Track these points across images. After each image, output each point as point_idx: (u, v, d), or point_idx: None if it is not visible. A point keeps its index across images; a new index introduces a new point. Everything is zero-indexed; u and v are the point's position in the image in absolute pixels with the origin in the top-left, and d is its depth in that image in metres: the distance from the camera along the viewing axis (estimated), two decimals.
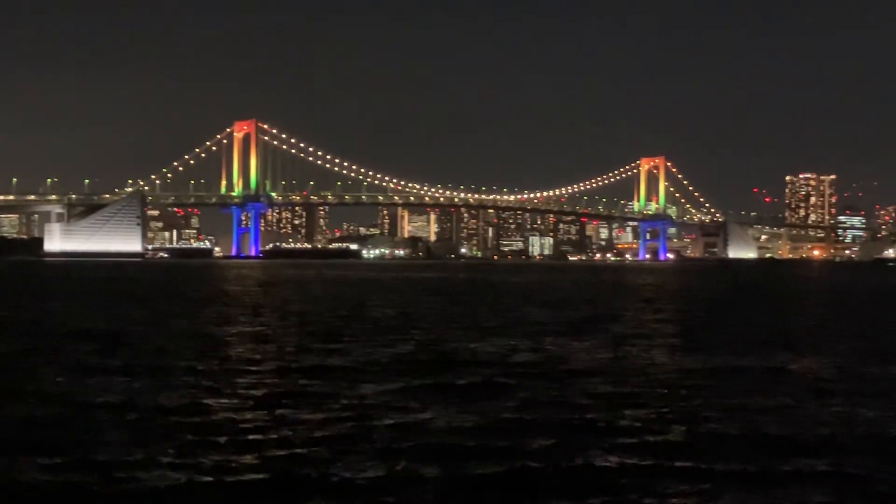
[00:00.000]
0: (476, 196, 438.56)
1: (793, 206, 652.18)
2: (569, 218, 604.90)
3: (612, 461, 16.90)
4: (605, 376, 27.61)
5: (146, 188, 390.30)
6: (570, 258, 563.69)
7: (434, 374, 27.81)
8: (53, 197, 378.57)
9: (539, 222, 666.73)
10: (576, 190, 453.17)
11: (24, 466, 16.22)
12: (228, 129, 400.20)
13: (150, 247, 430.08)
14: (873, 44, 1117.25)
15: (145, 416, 20.88)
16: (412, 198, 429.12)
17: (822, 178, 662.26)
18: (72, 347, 34.75)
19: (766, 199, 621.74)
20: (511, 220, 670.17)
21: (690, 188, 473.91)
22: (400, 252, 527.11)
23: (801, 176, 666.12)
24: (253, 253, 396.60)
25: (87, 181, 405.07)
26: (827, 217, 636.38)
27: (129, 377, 26.71)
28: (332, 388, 24.92)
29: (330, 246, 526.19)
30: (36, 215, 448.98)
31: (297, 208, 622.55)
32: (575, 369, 29.23)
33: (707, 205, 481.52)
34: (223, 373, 27.98)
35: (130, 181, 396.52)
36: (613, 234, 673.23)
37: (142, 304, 64.33)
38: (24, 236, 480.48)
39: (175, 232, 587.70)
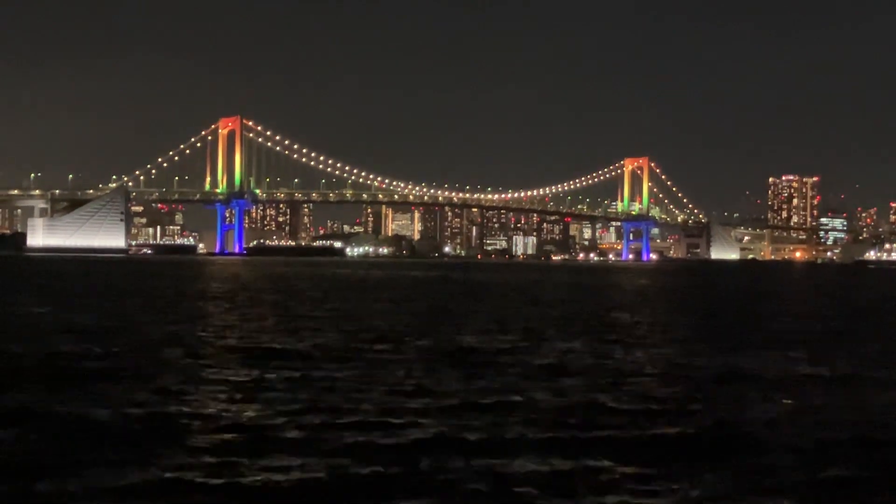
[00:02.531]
0: (460, 195, 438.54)
1: (775, 208, 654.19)
2: (552, 217, 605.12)
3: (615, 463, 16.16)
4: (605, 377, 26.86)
5: (130, 184, 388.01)
6: (554, 258, 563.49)
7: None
8: (37, 192, 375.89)
9: (523, 222, 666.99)
10: (560, 190, 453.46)
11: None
12: (213, 126, 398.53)
13: (133, 243, 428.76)
14: (856, 46, 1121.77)
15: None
16: (396, 196, 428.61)
17: (804, 180, 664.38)
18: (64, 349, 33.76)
19: (757, 202, 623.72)
20: (495, 220, 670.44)
21: (674, 189, 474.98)
22: (384, 250, 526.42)
23: (783, 178, 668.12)
24: (237, 250, 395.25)
25: (70, 176, 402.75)
26: (809, 219, 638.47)
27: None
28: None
29: (314, 244, 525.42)
30: (19, 210, 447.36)
31: (281, 206, 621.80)
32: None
33: (690, 206, 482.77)
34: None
35: (114, 177, 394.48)
36: (597, 234, 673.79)
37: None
38: (7, 231, 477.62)
39: (159, 228, 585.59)
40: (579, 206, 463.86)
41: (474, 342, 37.27)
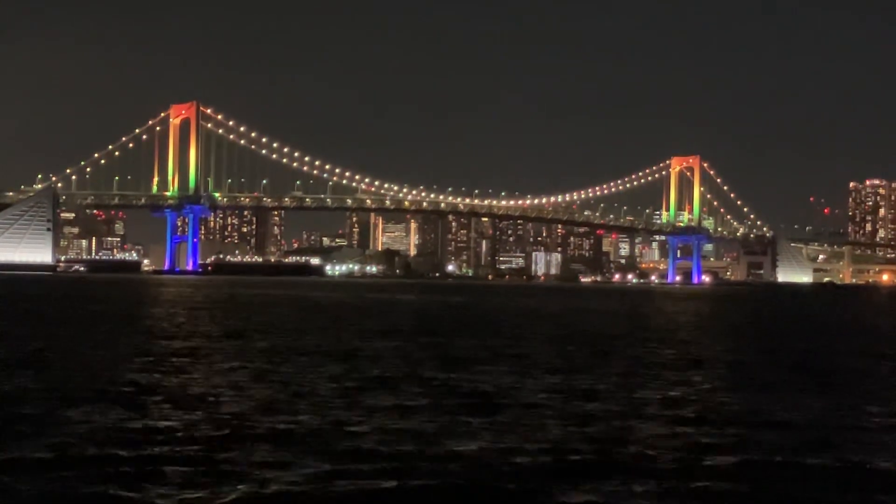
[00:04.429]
0: (467, 201, 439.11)
1: (857, 220, 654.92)
2: (581, 230, 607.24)
3: None
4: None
5: (60, 185, 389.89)
6: (583, 279, 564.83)
7: None
8: None
9: (544, 235, 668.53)
10: (590, 195, 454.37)
11: None
12: (163, 114, 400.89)
13: (63, 258, 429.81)
14: None
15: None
16: (388, 202, 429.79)
17: (893, 185, 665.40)
18: None
19: (825, 211, 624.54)
20: (510, 232, 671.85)
21: (732, 195, 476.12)
22: (372, 268, 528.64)
23: (868, 183, 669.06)
24: (190, 267, 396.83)
25: None
26: None
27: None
28: None
29: (285, 259, 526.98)
30: None
31: (245, 213, 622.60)
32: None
33: (752, 216, 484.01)
34: None
35: (40, 176, 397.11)
36: (636, 250, 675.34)
37: None
38: None
39: (95, 240, 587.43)
40: (614, 216, 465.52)
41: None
